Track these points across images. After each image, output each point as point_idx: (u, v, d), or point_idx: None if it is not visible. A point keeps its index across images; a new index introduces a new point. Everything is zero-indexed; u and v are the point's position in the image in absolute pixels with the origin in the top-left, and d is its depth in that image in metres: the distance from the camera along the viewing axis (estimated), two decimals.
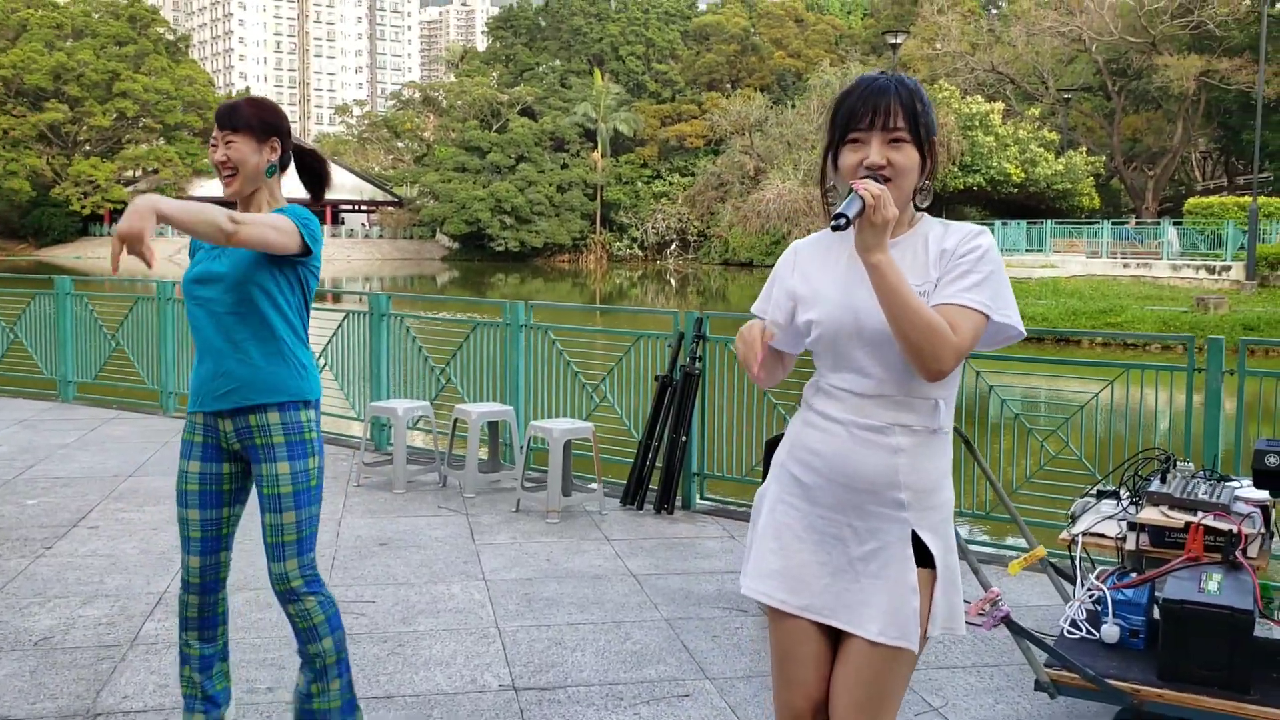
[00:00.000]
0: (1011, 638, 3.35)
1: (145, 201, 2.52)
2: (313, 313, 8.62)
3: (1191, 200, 34.95)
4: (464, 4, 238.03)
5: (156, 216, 2.52)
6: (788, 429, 2.25)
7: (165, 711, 3.48)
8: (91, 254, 65.36)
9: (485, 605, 4.61)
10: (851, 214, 1.92)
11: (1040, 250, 34.09)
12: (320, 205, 3.25)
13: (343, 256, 69.27)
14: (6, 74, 63.48)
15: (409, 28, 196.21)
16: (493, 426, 7.05)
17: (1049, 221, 36.08)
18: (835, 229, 1.93)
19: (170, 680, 3.71)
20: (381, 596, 4.69)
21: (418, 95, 79.96)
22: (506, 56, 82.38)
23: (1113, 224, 34.92)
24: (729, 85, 68.37)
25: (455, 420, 6.85)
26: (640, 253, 66.04)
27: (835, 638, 2.13)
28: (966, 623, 2.21)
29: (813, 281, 2.16)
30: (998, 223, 36.12)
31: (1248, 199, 29.64)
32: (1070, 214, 42.76)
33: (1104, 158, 47.57)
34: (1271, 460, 3.47)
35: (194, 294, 2.99)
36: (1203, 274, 28.26)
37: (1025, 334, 2.09)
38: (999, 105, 43.63)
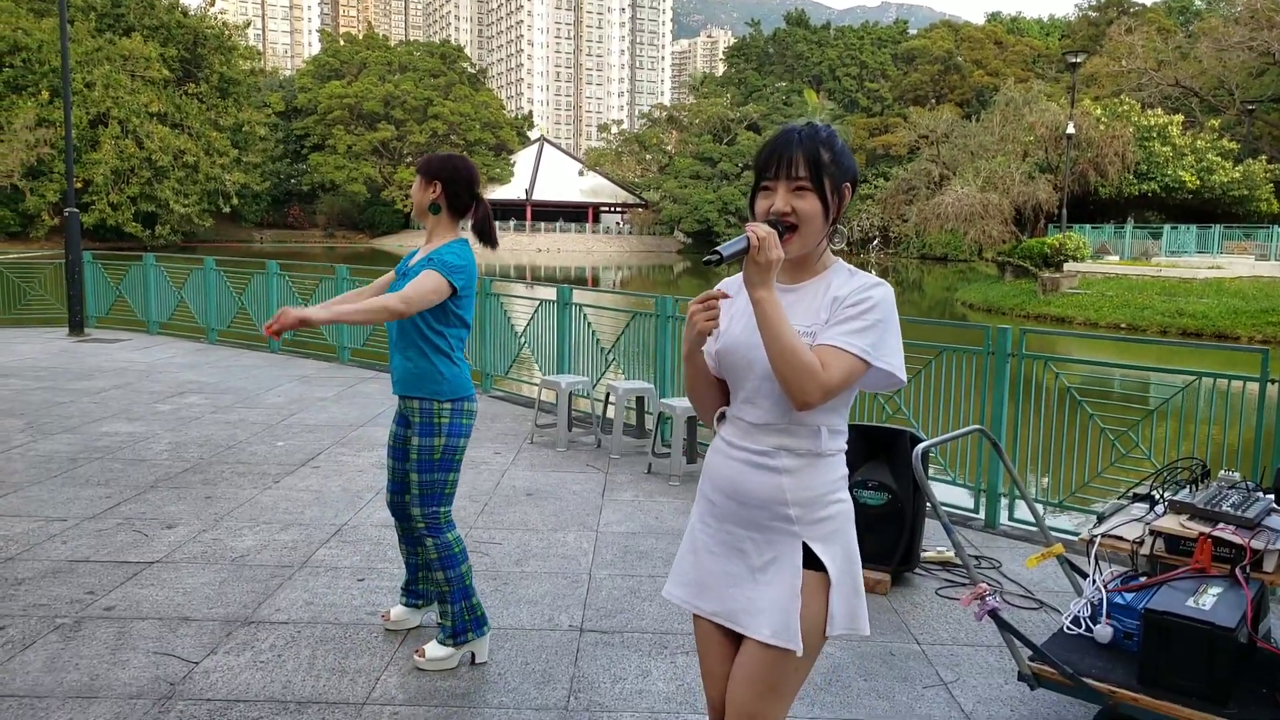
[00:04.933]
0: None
1: (292, 315, 2.92)
2: (517, 300, 8.77)
3: None
4: (709, 36, 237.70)
5: (300, 322, 2.94)
6: (706, 457, 2.09)
7: (301, 625, 3.66)
8: (411, 243, 70.05)
9: (588, 554, 4.59)
10: (727, 253, 1.80)
11: (1209, 252, 30.47)
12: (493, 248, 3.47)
13: (601, 249, 71.23)
14: (350, 102, 68.85)
15: (663, 58, 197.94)
16: (639, 400, 7.03)
17: (1218, 226, 32.14)
18: (707, 264, 1.82)
19: (316, 598, 3.92)
20: (508, 540, 4.76)
21: (664, 115, 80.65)
22: (739, 79, 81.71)
23: None
24: (933, 100, 65.03)
25: (607, 393, 6.87)
26: (846, 248, 64.03)
27: (723, 634, 2.00)
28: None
29: (728, 314, 1.99)
30: (1167, 227, 32.52)
31: None
32: (1248, 219, 37.90)
33: None
34: None
35: None
36: None
37: (905, 382, 1.92)
38: (1179, 118, 39.13)
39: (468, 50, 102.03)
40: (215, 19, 55.75)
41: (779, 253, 1.80)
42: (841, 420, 1.95)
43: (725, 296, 1.91)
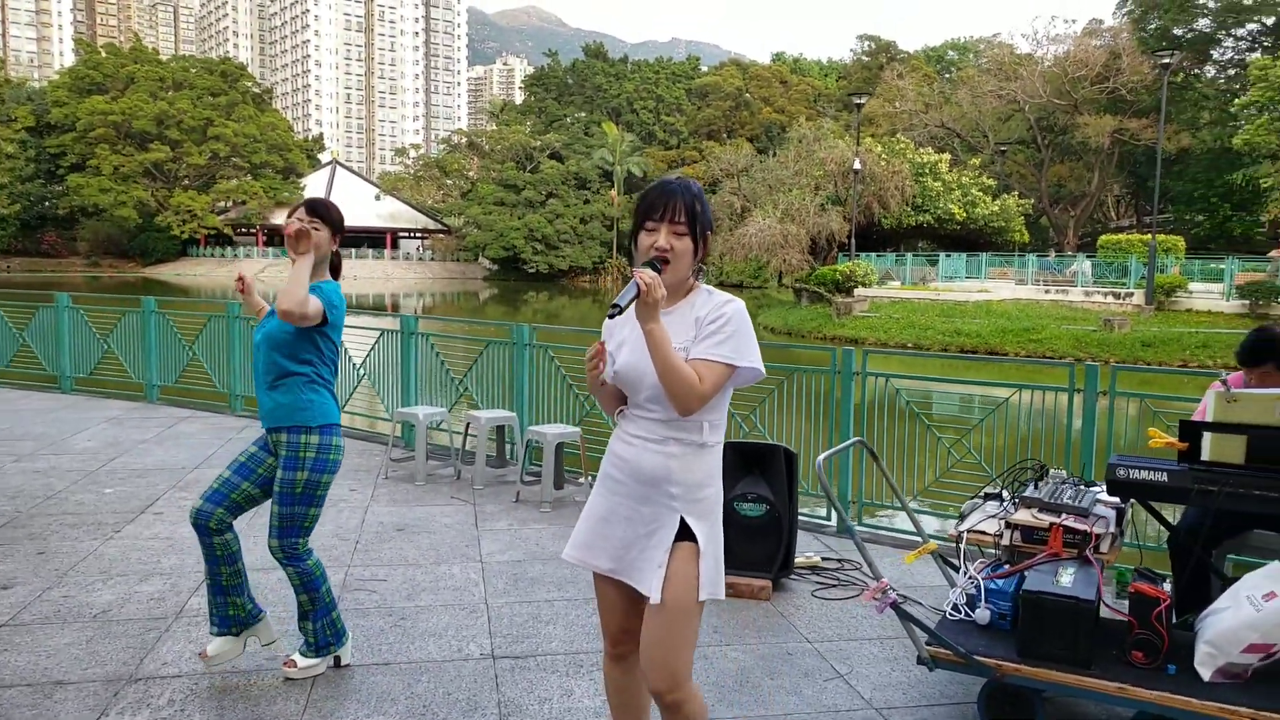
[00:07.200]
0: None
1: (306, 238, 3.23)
2: (353, 330, 8.57)
3: (1104, 237, 34.93)
4: (505, 64, 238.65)
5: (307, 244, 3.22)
6: (609, 443, 2.47)
7: (196, 676, 3.50)
8: (189, 271, 65.76)
9: (479, 584, 4.62)
10: (624, 302, 2.15)
11: (977, 277, 33.99)
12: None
13: (400, 275, 69.52)
14: (117, 119, 63.87)
15: (458, 83, 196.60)
16: (500, 429, 7.08)
17: (985, 254, 35.99)
18: (610, 317, 2.17)
19: (204, 648, 3.74)
20: (393, 576, 4.71)
21: (464, 141, 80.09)
22: (539, 108, 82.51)
23: (1037, 256, 34.85)
24: (725, 135, 68.39)
25: (468, 424, 6.88)
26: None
27: (619, 584, 2.42)
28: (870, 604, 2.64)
29: (617, 339, 2.40)
30: (942, 254, 35.99)
31: (1150, 236, 29.58)
32: (1004, 247, 42.76)
33: (1033, 200, 47.58)
34: (1120, 473, 3.47)
35: (255, 343, 3.49)
36: (1110, 299, 28.21)
37: (764, 373, 2.32)
38: (946, 156, 43.56)
39: (250, 69, 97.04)
40: None
41: (663, 292, 2.17)
42: (720, 416, 2.35)
43: (602, 346, 2.35)
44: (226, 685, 3.43)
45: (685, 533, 2.28)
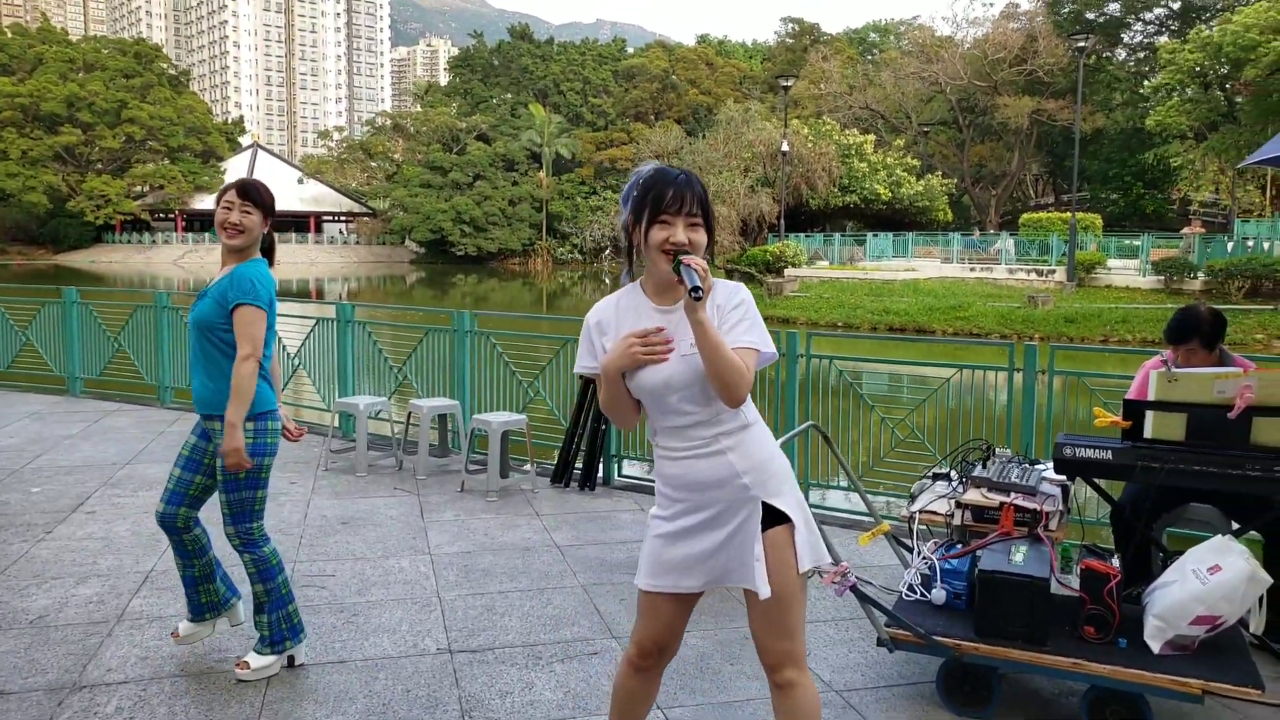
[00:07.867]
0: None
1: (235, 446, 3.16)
2: (287, 319, 8.37)
3: (1025, 215, 35.88)
4: (429, 45, 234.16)
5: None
6: (656, 466, 2.36)
7: (144, 682, 3.36)
8: (105, 259, 63.25)
9: (430, 577, 4.54)
10: (702, 284, 2.07)
11: (904, 257, 34.66)
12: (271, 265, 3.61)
13: (325, 260, 67.91)
14: (24, 101, 60.96)
15: (381, 64, 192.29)
16: (442, 418, 6.96)
17: (911, 233, 36.70)
18: (697, 300, 2.04)
19: (151, 652, 3.60)
20: (340, 571, 4.60)
21: (389, 122, 78.45)
22: (465, 90, 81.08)
23: (961, 234, 35.67)
24: (653, 117, 68.21)
25: (409, 414, 6.75)
26: (580, 257, 65.62)
27: (686, 600, 2.36)
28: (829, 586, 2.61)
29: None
30: (869, 234, 36.59)
31: (1069, 214, 30.48)
32: (929, 226, 43.74)
33: (956, 180, 48.70)
34: (1068, 452, 3.55)
35: (189, 325, 3.41)
36: (1033, 276, 29.04)
37: (778, 355, 2.30)
38: (871, 137, 44.36)
39: (166, 50, 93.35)
40: None
41: (711, 280, 2.12)
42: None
43: (662, 330, 2.20)
44: (177, 690, 3.30)
45: (771, 514, 2.22)
